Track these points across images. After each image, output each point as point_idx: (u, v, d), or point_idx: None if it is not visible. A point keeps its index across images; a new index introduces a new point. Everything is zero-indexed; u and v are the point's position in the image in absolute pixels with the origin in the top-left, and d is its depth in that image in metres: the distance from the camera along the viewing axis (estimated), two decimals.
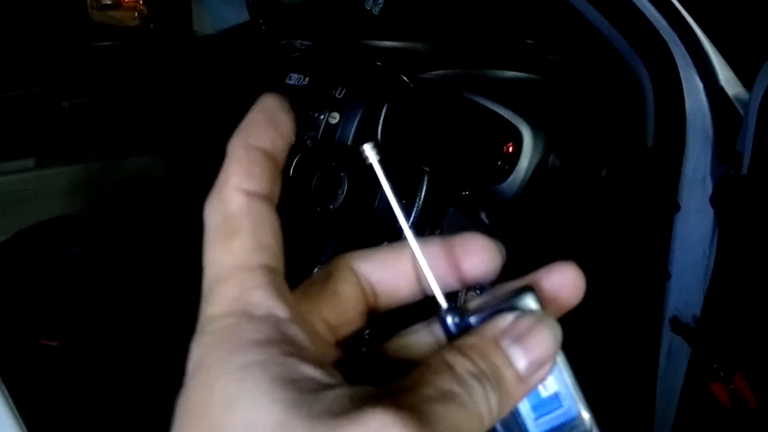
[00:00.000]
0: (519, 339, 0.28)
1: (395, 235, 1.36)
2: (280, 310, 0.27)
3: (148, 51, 1.99)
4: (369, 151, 0.32)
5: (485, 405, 0.26)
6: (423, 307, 0.33)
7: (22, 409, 0.97)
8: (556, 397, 0.30)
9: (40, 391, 1.44)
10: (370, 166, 0.32)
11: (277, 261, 0.29)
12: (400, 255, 0.32)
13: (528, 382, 0.28)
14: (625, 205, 1.36)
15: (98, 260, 1.72)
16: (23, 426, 0.96)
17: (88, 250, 1.73)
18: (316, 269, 1.40)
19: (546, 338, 0.28)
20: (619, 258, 1.40)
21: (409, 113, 1.50)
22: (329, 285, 0.32)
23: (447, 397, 0.25)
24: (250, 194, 0.28)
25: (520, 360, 0.27)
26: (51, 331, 1.55)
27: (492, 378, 0.27)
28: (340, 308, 0.31)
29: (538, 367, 0.28)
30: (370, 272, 0.33)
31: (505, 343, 0.28)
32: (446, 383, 0.26)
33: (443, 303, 0.30)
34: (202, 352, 0.27)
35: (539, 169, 1.44)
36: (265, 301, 0.27)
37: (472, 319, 0.29)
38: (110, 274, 1.74)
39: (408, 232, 0.31)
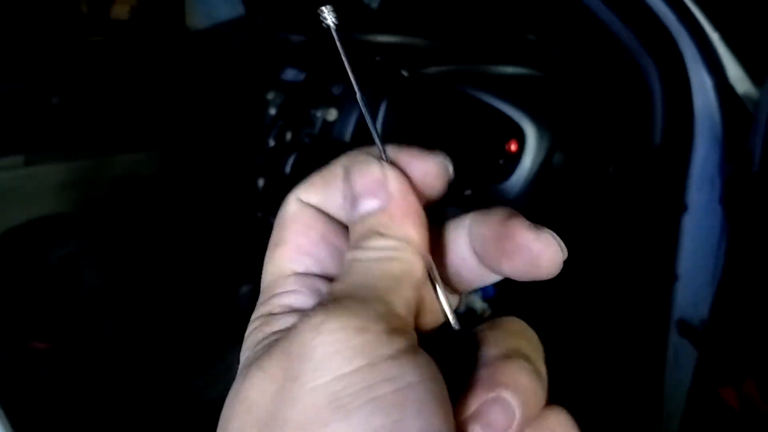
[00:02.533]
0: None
1: None
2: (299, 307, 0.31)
3: (140, 46, 1.96)
4: (328, 13, 0.34)
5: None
6: None
7: (11, 412, 0.95)
8: None
9: (29, 394, 1.41)
10: (328, 28, 0.34)
11: (317, 265, 0.32)
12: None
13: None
14: (631, 204, 1.35)
15: (88, 260, 1.69)
16: (11, 429, 0.94)
17: (78, 250, 1.70)
18: None
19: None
20: (625, 259, 1.38)
21: (409, 110, 1.47)
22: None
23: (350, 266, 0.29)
24: (302, 203, 0.32)
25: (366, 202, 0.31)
26: (40, 333, 1.52)
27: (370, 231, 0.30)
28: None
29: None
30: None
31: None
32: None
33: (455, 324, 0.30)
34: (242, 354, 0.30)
35: (543, 168, 1.42)
36: (288, 303, 0.31)
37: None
38: (100, 274, 1.71)
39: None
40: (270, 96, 1.59)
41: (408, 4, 2.04)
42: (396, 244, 0.30)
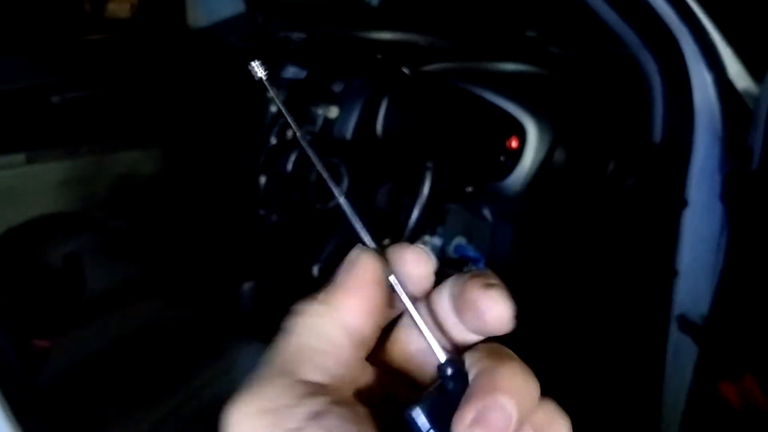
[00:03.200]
0: None
1: (397, 232, 1.33)
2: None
3: (141, 44, 1.96)
4: (257, 68, 0.36)
5: None
6: None
7: (15, 410, 0.95)
8: None
9: (31, 392, 1.42)
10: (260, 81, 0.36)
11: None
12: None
13: None
14: (632, 201, 1.35)
15: (90, 258, 1.69)
16: (17, 426, 0.94)
17: (79, 248, 1.70)
18: (315, 267, 1.37)
19: None
20: (625, 255, 1.38)
21: (410, 107, 1.48)
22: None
23: None
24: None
25: None
26: (42, 331, 1.52)
27: None
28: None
29: None
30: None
31: None
32: None
33: (441, 357, 0.31)
34: None
35: (544, 165, 1.42)
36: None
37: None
38: (102, 272, 1.71)
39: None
40: (271, 94, 1.59)
41: (408, 2, 2.04)
42: (324, 311, 0.31)
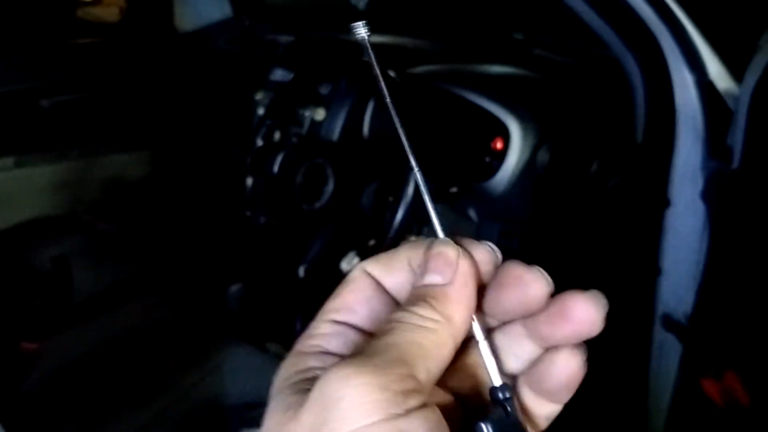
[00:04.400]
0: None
1: (382, 232, 1.34)
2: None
3: (129, 48, 1.97)
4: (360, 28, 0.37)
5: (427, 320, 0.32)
6: None
7: (1, 412, 0.96)
8: None
9: (19, 395, 1.42)
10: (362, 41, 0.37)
11: (355, 318, 0.36)
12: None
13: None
14: (615, 200, 1.36)
15: (79, 261, 1.69)
16: (1, 429, 0.94)
17: (68, 251, 1.70)
18: (301, 268, 1.38)
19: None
20: (609, 254, 1.39)
21: (396, 109, 1.48)
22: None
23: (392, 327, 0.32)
24: (365, 272, 0.37)
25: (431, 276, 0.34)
26: (30, 334, 1.52)
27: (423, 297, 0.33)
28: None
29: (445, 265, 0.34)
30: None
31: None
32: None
33: (497, 380, 0.33)
34: None
35: (528, 165, 1.43)
36: (318, 344, 0.35)
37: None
38: (91, 275, 1.71)
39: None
40: (258, 96, 1.60)
41: (394, 5, 2.05)
42: (440, 319, 0.33)
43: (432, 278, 0.34)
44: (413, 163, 0.39)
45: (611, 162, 1.37)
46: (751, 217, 1.13)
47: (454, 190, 1.47)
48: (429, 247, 0.35)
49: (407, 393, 0.29)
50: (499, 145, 1.44)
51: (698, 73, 1.21)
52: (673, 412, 1.35)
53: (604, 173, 1.37)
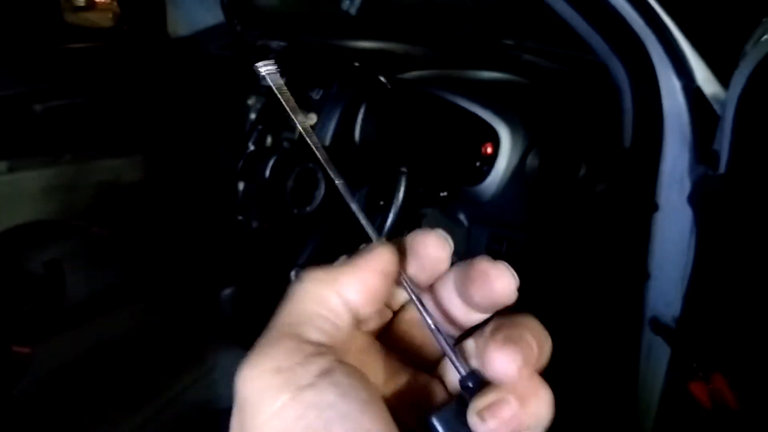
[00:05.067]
0: None
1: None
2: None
3: (122, 53, 1.97)
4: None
5: None
6: None
7: None
8: None
9: (11, 399, 1.42)
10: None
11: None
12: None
13: None
14: (603, 205, 1.36)
15: (71, 265, 1.69)
16: None
17: (61, 255, 1.70)
18: (292, 272, 1.39)
19: None
20: (598, 258, 1.40)
21: (387, 114, 1.49)
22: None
23: None
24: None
25: None
26: (22, 338, 1.52)
27: None
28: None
29: None
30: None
31: None
32: None
33: (462, 370, 0.33)
34: None
35: (518, 170, 1.44)
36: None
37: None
38: (83, 279, 1.71)
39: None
40: (250, 101, 1.61)
41: (386, 12, 2.06)
42: (311, 279, 0.33)
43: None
44: (333, 176, 0.40)
45: (599, 167, 1.38)
46: (737, 222, 1.14)
47: (444, 194, 1.48)
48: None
49: (306, 361, 0.30)
50: (488, 150, 1.45)
51: (685, 79, 1.22)
52: (662, 414, 1.35)
53: (593, 178, 1.38)
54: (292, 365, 0.29)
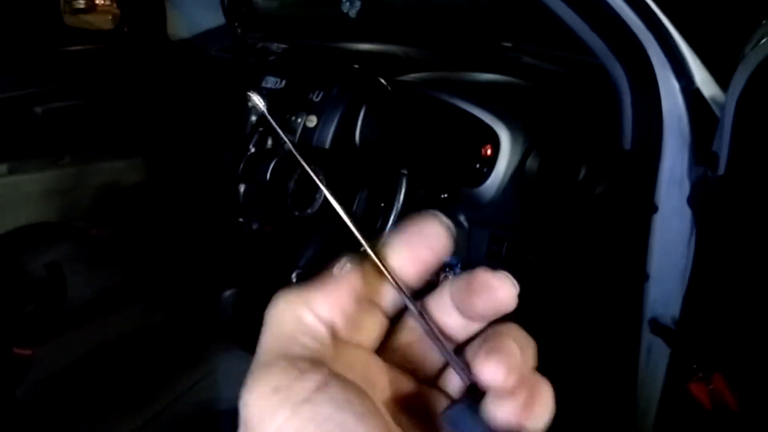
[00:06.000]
0: None
1: (373, 238, 1.35)
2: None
3: (123, 55, 1.98)
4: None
5: None
6: None
7: None
8: None
9: (12, 401, 1.42)
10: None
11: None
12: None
13: None
14: (603, 206, 1.37)
15: (72, 267, 1.70)
16: None
17: (61, 257, 1.70)
18: (293, 274, 1.39)
19: None
20: (597, 259, 1.40)
21: (387, 116, 1.50)
22: None
23: None
24: None
25: None
26: (24, 340, 1.52)
27: None
28: None
29: None
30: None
31: None
32: None
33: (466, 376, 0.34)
34: None
35: (517, 172, 1.44)
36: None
37: None
38: (84, 281, 1.72)
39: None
40: (251, 103, 1.61)
41: (385, 14, 2.06)
42: (289, 301, 0.34)
43: None
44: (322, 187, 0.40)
45: (599, 168, 1.38)
46: (736, 223, 1.14)
47: (444, 196, 1.49)
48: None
49: (302, 377, 0.30)
50: (488, 151, 1.46)
51: (685, 81, 1.22)
52: (662, 415, 1.36)
53: (592, 179, 1.38)
54: (289, 383, 0.30)
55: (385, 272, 0.35)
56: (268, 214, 1.48)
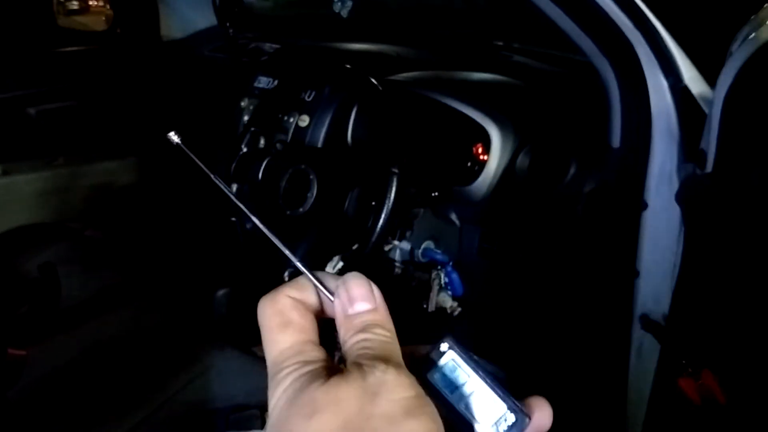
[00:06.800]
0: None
1: (365, 237, 1.36)
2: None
3: (116, 56, 1.98)
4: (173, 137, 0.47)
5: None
6: None
7: None
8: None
9: (6, 402, 1.42)
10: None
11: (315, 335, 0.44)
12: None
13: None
14: (592, 203, 1.37)
15: (66, 268, 1.70)
16: None
17: (55, 258, 1.70)
18: (285, 273, 1.39)
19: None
20: (587, 257, 1.41)
21: (379, 115, 1.50)
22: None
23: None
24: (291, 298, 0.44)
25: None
26: (18, 341, 1.53)
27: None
28: None
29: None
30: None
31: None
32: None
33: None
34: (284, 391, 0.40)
35: (508, 170, 1.45)
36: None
37: None
38: (78, 281, 1.72)
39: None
40: (243, 103, 1.62)
41: (376, 14, 2.07)
42: (389, 334, 0.42)
43: (361, 306, 0.43)
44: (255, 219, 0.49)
45: (589, 165, 1.39)
46: (724, 219, 1.15)
47: (435, 194, 1.49)
48: (346, 282, 0.44)
49: (410, 373, 0.39)
50: (479, 150, 1.47)
51: (673, 78, 1.23)
52: (652, 410, 1.36)
53: (582, 177, 1.39)
54: (407, 374, 0.39)
55: (313, 280, 0.44)
56: (260, 213, 1.49)
